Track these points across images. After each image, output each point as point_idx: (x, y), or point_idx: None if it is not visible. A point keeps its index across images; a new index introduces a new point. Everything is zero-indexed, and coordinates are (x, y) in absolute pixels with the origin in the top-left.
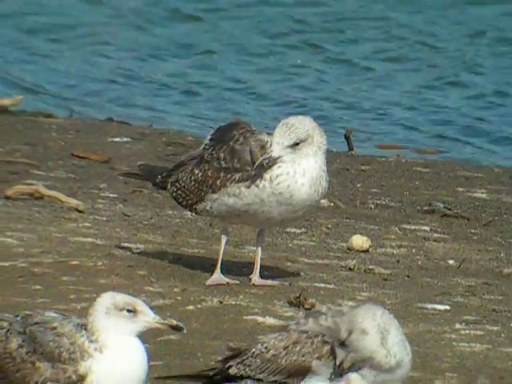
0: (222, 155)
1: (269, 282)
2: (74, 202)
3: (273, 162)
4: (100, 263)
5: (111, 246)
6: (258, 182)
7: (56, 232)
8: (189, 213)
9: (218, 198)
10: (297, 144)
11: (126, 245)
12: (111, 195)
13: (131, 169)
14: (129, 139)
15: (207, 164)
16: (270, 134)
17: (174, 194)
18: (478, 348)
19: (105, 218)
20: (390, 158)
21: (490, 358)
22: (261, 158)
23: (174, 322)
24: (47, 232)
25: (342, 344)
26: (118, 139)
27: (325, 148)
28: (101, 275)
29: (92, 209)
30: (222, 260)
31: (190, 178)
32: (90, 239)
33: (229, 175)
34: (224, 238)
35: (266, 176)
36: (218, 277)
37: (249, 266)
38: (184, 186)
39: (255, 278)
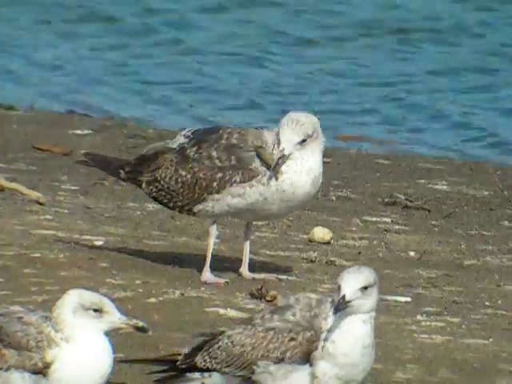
0: (214, 154)
1: (262, 275)
2: (35, 194)
3: (285, 159)
4: (61, 255)
5: (72, 239)
6: (267, 180)
7: (17, 224)
8: (150, 205)
9: (220, 199)
10: (304, 140)
11: (88, 237)
12: (72, 187)
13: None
14: (90, 131)
15: (195, 163)
16: (258, 129)
17: (154, 195)
18: (438, 339)
19: (66, 211)
20: (351, 150)
21: (450, 350)
22: (276, 157)
23: (140, 324)
24: (8, 224)
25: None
26: (79, 131)
27: (324, 144)
28: (62, 268)
29: (53, 201)
30: (211, 256)
31: (176, 179)
32: (51, 232)
33: (227, 176)
34: (214, 233)
35: (271, 173)
36: (210, 275)
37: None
38: (168, 188)
39: (245, 271)
